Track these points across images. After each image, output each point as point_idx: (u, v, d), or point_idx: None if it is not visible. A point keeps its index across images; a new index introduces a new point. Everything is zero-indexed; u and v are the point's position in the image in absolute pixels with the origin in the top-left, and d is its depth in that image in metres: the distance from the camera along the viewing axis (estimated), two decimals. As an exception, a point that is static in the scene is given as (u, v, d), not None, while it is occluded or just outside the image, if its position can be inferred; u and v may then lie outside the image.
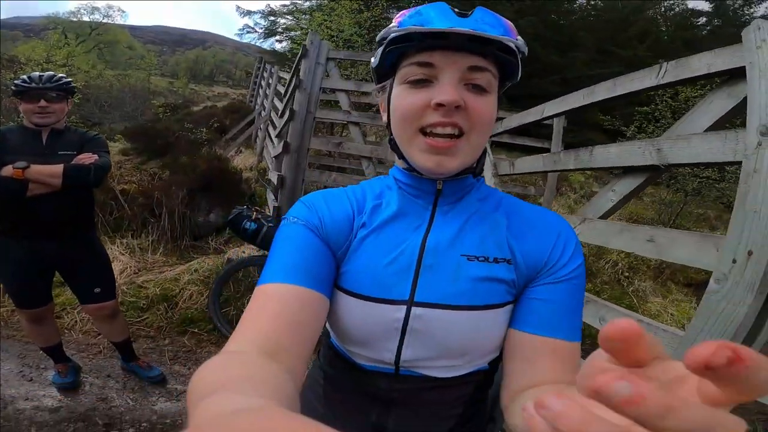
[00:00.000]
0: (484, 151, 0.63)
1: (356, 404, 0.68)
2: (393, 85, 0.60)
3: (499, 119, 2.97)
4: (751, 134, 1.10)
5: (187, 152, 5.57)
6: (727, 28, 13.84)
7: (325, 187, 3.54)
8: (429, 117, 0.55)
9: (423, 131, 0.56)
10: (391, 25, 0.57)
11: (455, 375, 0.63)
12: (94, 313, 2.16)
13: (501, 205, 0.66)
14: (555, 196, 6.16)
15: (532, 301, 0.60)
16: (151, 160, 5.61)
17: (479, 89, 0.56)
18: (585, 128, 12.42)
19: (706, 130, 1.34)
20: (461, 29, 0.51)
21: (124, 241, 3.81)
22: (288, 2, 16.29)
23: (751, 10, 15.56)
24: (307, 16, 12.20)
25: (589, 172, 7.73)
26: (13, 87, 1.91)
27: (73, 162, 1.91)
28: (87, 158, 1.94)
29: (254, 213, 2.76)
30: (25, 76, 1.92)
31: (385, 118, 0.65)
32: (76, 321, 2.90)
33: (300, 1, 15.57)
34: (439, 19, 0.54)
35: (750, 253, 1.04)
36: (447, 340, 0.59)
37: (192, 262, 3.50)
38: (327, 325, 0.68)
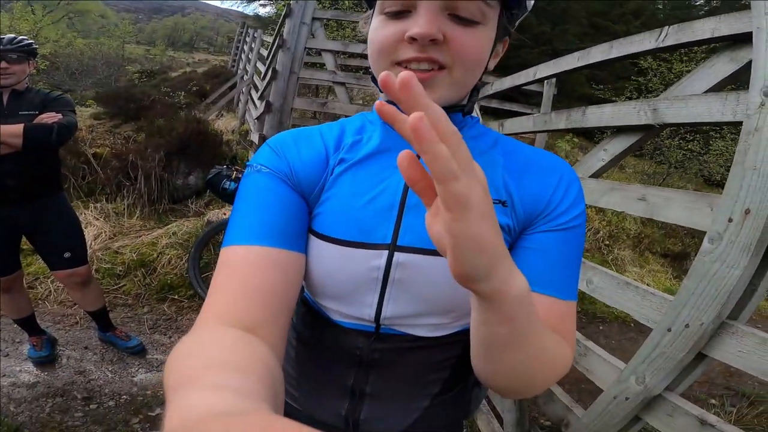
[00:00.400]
0: (476, 90, 0.56)
1: (332, 366, 0.62)
2: (373, 16, 0.53)
3: (486, 84, 2.89)
4: (754, 94, 1.07)
5: (164, 115, 5.35)
6: (724, 9, 13.75)
7: None
8: (403, 51, 0.49)
9: (399, 64, 0.50)
10: None
11: (441, 334, 0.57)
12: (65, 280, 2.09)
13: (497, 144, 0.59)
14: None
15: (527, 250, 0.53)
16: (125, 124, 5.37)
17: (466, 21, 0.48)
18: (574, 99, 12.41)
19: (705, 92, 1.30)
20: None
21: (98, 205, 3.67)
22: None
23: None
24: None
25: (575, 141, 7.77)
26: None
27: (34, 121, 1.82)
28: (50, 117, 1.86)
29: (234, 172, 2.65)
30: None
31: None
32: (50, 291, 2.79)
33: None
34: None
35: (747, 211, 1.01)
36: (433, 293, 0.53)
37: (170, 225, 3.39)
38: None
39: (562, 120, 1.89)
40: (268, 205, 0.51)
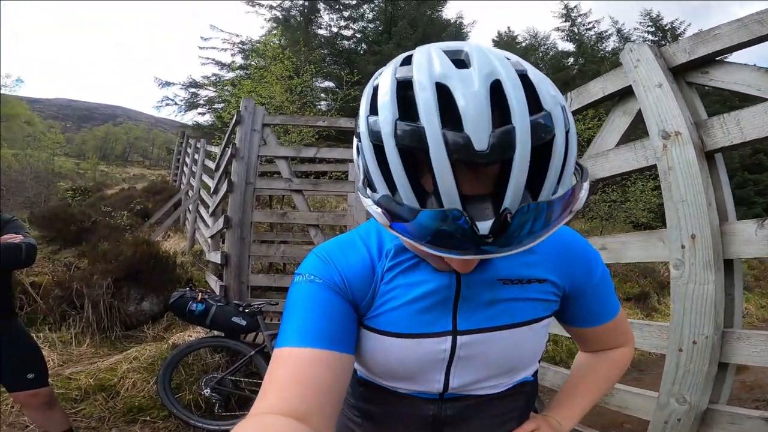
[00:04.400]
0: None
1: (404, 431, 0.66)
2: None
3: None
4: (655, 140, 1.32)
5: (108, 238, 5.12)
6: (589, 65, 16.80)
7: (270, 265, 3.85)
8: None
9: None
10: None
11: (503, 390, 0.65)
12: (28, 402, 1.89)
13: None
14: None
15: (578, 305, 0.66)
16: (65, 249, 5.06)
17: None
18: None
19: (616, 145, 1.56)
20: (482, 255, 0.42)
21: (41, 335, 3.32)
22: (210, 74, 16.42)
23: (603, 45, 19.13)
24: (229, 89, 12.35)
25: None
26: None
27: None
28: (12, 238, 1.79)
29: (200, 294, 2.67)
30: None
31: None
32: None
33: (223, 72, 15.85)
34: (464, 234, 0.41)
35: (693, 236, 1.21)
36: (494, 361, 0.61)
37: (129, 351, 3.11)
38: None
39: None
40: (320, 312, 0.55)
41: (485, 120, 0.38)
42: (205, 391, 2.61)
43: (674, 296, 1.24)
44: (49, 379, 1.96)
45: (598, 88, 1.62)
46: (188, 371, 2.84)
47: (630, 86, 1.44)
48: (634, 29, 18.83)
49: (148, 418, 2.60)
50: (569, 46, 20.07)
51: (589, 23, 19.53)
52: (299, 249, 3.67)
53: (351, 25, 17.76)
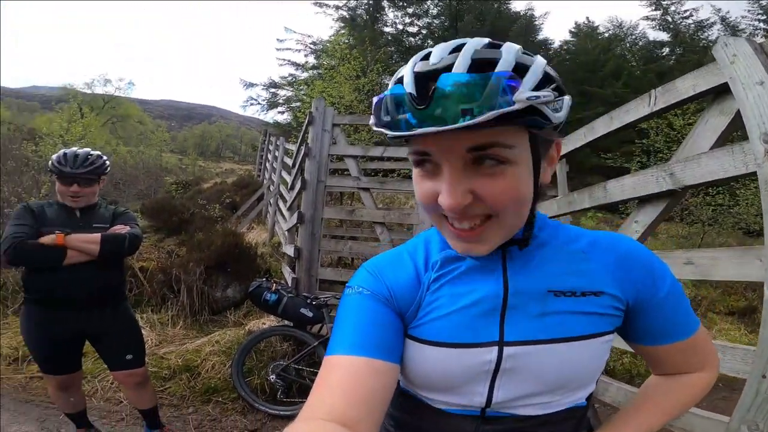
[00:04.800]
0: (532, 214, 0.57)
1: None
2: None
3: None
4: (756, 144, 1.13)
5: (203, 229, 5.72)
6: (689, 55, 14.70)
7: (339, 259, 3.39)
8: (445, 208, 0.50)
9: (446, 217, 0.53)
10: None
11: (549, 412, 0.59)
12: (124, 380, 2.13)
13: (578, 237, 0.62)
14: None
15: (644, 321, 0.61)
16: (168, 238, 5.75)
17: (491, 168, 0.48)
18: (585, 173, 12.65)
19: (711, 148, 1.37)
20: (422, 130, 0.43)
21: (145, 315, 3.83)
22: (287, 74, 17.31)
23: (705, 34, 16.61)
24: (304, 88, 12.85)
25: (599, 215, 7.70)
26: (50, 166, 1.97)
27: (108, 232, 1.96)
28: (121, 229, 2.01)
29: (274, 285, 2.86)
30: (60, 156, 1.96)
31: None
32: (97, 389, 2.89)
33: (298, 73, 16.64)
34: (405, 106, 0.45)
35: (797, 258, 1.02)
36: (543, 375, 0.56)
37: (213, 334, 3.48)
38: None
39: (585, 198, 1.92)
40: (368, 322, 0.56)
41: (449, 46, 0.48)
42: (272, 377, 2.82)
43: (764, 322, 1.08)
44: (145, 359, 2.19)
45: (687, 86, 1.43)
46: (259, 357, 3.07)
47: (726, 83, 1.25)
48: (742, 17, 16.06)
49: (220, 399, 2.88)
50: (662, 36, 17.74)
51: (685, 11, 17.08)
52: (365, 245, 3.77)
53: (416, 21, 17.51)
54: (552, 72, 0.49)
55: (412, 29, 17.70)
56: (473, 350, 0.56)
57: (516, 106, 0.41)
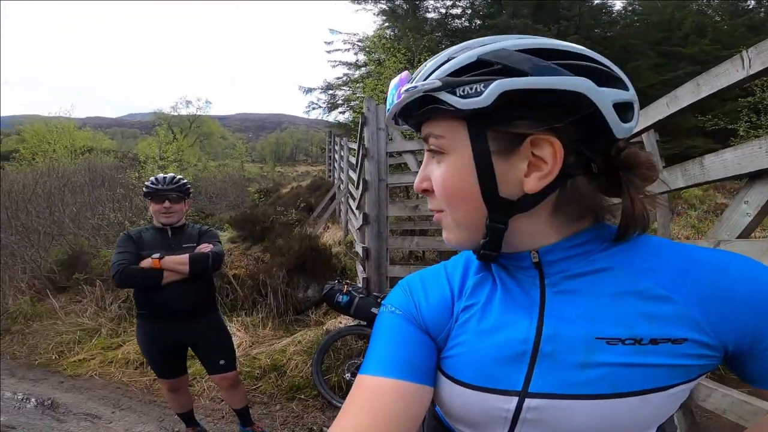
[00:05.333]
0: (493, 231, 0.50)
1: None
2: None
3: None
4: None
5: (282, 235, 6.25)
6: None
7: (410, 253, 3.54)
8: None
9: None
10: None
11: None
12: (219, 382, 2.47)
13: (662, 265, 0.49)
14: (672, 218, 5.34)
15: (757, 365, 0.47)
16: (254, 245, 6.38)
17: (436, 157, 0.52)
18: (681, 137, 11.27)
19: None
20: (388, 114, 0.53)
21: (239, 319, 4.36)
22: (341, 74, 17.65)
23: None
24: (360, 85, 13.07)
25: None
26: (144, 189, 2.31)
27: (194, 252, 2.29)
28: (205, 247, 2.32)
29: (345, 286, 3.00)
30: (153, 179, 2.31)
31: None
32: (204, 389, 3.36)
33: (351, 72, 16.92)
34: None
35: None
36: (574, 430, 0.49)
37: (296, 335, 3.85)
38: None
39: (677, 177, 1.64)
40: (398, 342, 0.55)
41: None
42: (347, 375, 3.06)
43: None
44: (236, 363, 2.50)
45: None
46: (336, 355, 3.35)
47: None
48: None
49: (302, 396, 3.20)
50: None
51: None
52: (432, 240, 3.78)
53: (457, 2, 16.77)
54: (492, 58, 0.45)
55: (456, 11, 17.08)
56: (492, 396, 0.52)
57: (402, 98, 0.49)
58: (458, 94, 0.45)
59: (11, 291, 5.56)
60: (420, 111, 0.49)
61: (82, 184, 8.68)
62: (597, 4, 15.40)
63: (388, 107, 0.52)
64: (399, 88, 0.50)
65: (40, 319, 4.93)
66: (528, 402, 0.50)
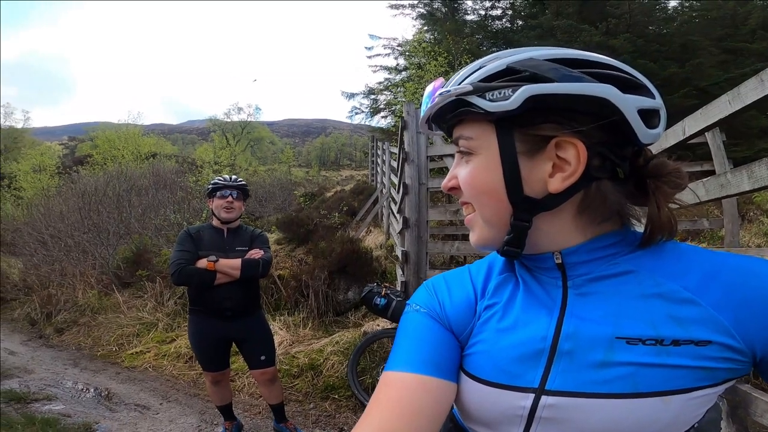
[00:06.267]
0: (517, 229, 0.51)
1: None
2: None
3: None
4: None
5: (325, 237, 6.41)
6: None
7: (451, 258, 3.54)
8: None
9: None
10: None
11: None
12: (259, 377, 2.60)
13: (689, 268, 0.49)
14: (741, 224, 4.95)
15: None
16: (298, 247, 6.60)
17: (465, 157, 0.54)
18: (753, 138, 10.31)
19: None
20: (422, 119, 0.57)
21: (282, 318, 4.54)
22: (382, 79, 17.79)
23: None
24: (401, 89, 13.07)
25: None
26: (210, 185, 2.50)
27: (246, 257, 2.44)
28: (256, 254, 2.47)
29: (384, 289, 3.03)
30: (219, 177, 2.53)
31: None
32: (244, 384, 3.52)
33: (392, 76, 16.97)
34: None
35: None
36: (591, 430, 0.48)
37: (334, 335, 3.94)
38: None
39: (743, 179, 1.51)
40: (423, 339, 0.56)
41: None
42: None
43: None
44: (275, 360, 2.61)
45: None
46: (372, 357, 3.39)
47: None
48: None
49: (336, 396, 3.26)
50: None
51: None
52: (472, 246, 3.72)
53: (497, 3, 16.26)
54: (521, 66, 0.48)
55: (495, 12, 16.58)
56: (509, 393, 0.52)
57: (436, 101, 0.53)
58: (488, 98, 0.48)
59: (81, 285, 6.13)
60: (452, 114, 0.52)
61: (146, 187, 9.39)
62: (648, 1, 14.46)
63: (422, 112, 0.56)
64: (433, 94, 0.54)
65: (105, 313, 5.40)
66: (544, 399, 0.50)
